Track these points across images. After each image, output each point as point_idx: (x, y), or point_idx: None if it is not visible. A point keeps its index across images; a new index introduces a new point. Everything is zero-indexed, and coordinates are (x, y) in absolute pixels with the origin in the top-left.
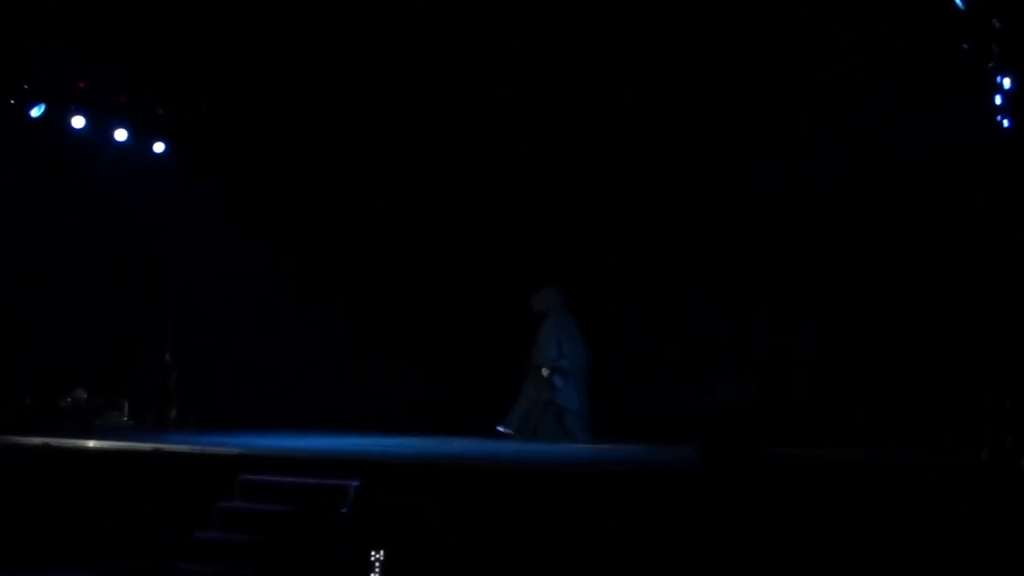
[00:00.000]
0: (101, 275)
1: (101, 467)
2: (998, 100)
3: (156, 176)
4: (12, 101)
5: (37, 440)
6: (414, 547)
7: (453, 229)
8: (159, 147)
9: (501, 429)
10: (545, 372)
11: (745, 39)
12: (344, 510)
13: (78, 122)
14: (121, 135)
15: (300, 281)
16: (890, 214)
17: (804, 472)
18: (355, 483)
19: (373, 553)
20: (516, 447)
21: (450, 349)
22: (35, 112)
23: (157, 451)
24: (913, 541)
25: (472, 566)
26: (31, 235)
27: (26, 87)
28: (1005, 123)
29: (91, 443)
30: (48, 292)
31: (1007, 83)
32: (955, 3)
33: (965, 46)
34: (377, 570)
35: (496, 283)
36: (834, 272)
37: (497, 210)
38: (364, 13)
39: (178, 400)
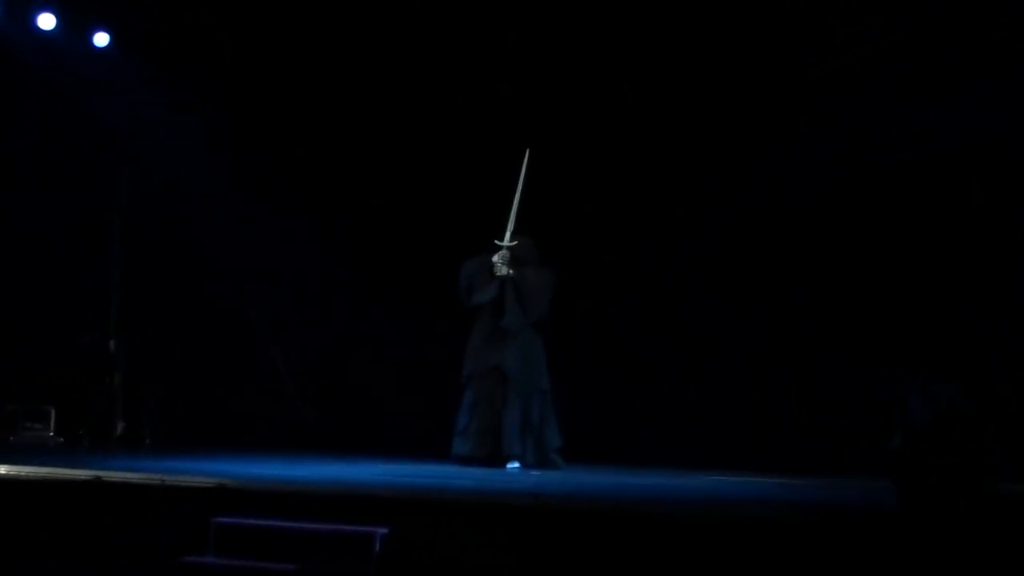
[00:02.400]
0: (14, 223)
1: (13, 505)
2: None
3: (98, 80)
4: None
5: None
6: None
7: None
8: (101, 39)
9: (514, 466)
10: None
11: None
12: (370, 568)
13: None
14: (47, 22)
15: (305, 232)
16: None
17: None
18: (382, 531)
19: None
20: (593, 477)
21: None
22: None
23: (97, 481)
24: None
25: None
26: None
27: None
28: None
29: (2, 468)
30: None
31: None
32: None
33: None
34: None
35: None
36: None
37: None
38: None
39: (127, 408)
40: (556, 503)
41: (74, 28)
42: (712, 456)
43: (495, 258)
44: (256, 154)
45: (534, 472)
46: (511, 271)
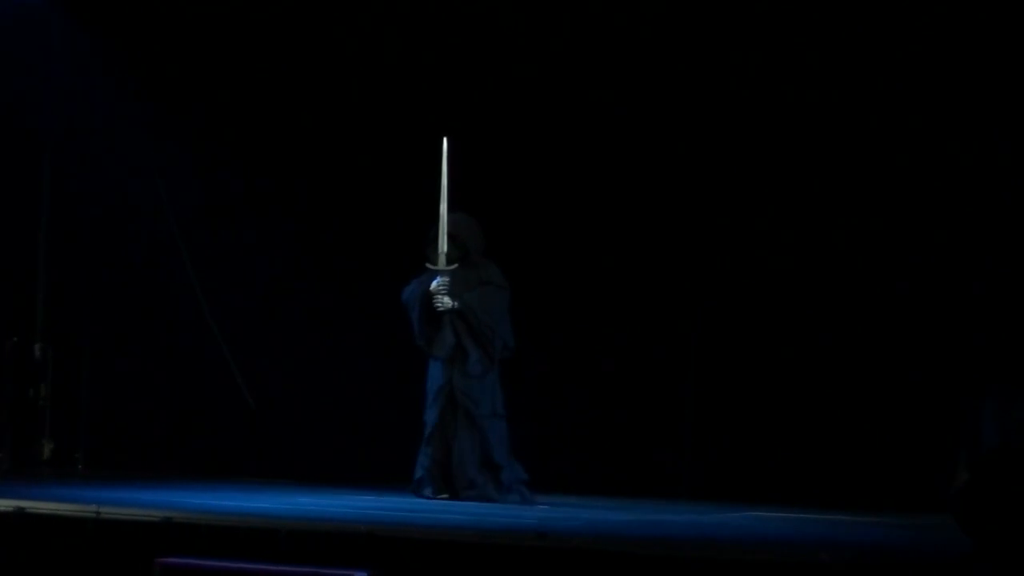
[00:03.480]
0: None
1: None
2: None
3: (25, 34)
4: None
5: None
6: None
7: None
8: None
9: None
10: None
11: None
12: None
13: None
14: None
15: (267, 210)
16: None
17: None
18: (362, 575)
19: None
20: (601, 513)
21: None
22: None
23: (19, 513)
24: None
25: None
26: None
27: None
28: None
29: None
30: None
31: None
32: None
33: None
34: None
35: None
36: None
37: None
38: None
39: (55, 426)
40: (566, 543)
41: None
42: (724, 488)
43: (433, 287)
44: (206, 131)
45: (540, 505)
46: (455, 303)
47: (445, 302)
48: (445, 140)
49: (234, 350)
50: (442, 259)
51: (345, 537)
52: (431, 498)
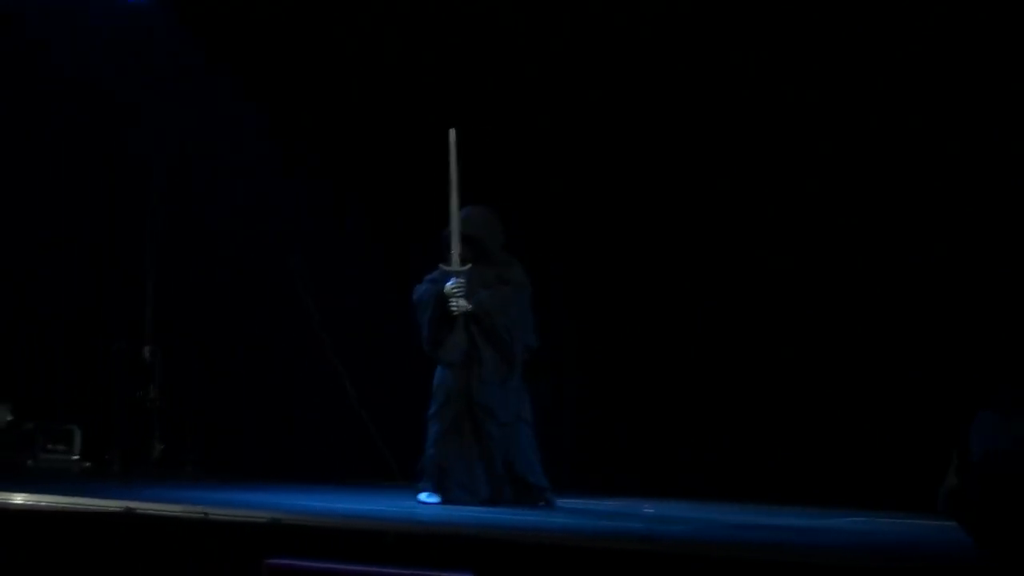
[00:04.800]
0: (36, 207)
1: (32, 540)
2: None
3: (131, 40)
4: None
5: None
6: None
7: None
8: None
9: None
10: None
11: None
12: None
13: None
14: None
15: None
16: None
17: None
18: None
19: None
20: (696, 512)
21: (614, 360)
22: None
23: (128, 514)
24: None
25: None
26: None
27: None
28: None
29: (18, 498)
30: None
31: None
32: None
33: None
34: None
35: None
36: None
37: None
38: None
39: (165, 428)
40: (675, 545)
41: None
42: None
43: (447, 289)
44: (311, 136)
45: (647, 508)
46: (469, 304)
47: (461, 304)
48: (452, 132)
49: (341, 353)
50: (455, 259)
51: (451, 539)
52: (429, 504)
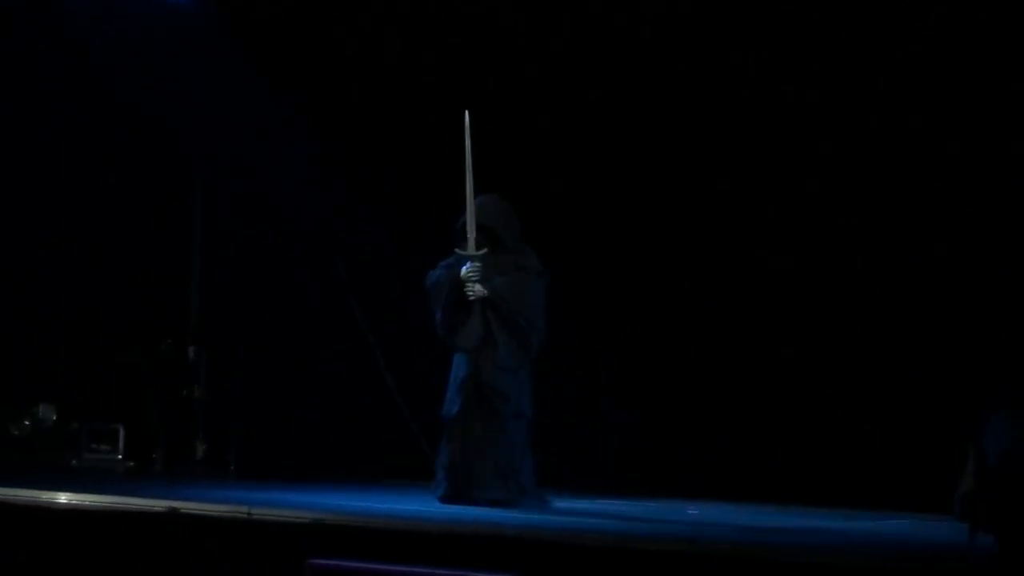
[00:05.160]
0: (80, 209)
1: (77, 539)
2: None
3: (173, 42)
4: None
5: None
6: None
7: None
8: None
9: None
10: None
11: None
12: None
13: None
14: None
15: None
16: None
17: None
18: None
19: None
20: (737, 515)
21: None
22: None
23: (172, 513)
24: None
25: None
26: None
27: None
28: None
29: (63, 497)
30: None
31: None
32: None
33: None
34: None
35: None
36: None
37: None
38: None
39: (208, 428)
40: (720, 547)
41: None
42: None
43: (463, 273)
44: (356, 135)
45: (691, 511)
46: (485, 290)
47: (477, 290)
48: (467, 113)
49: (385, 354)
50: (471, 243)
51: (494, 540)
52: (444, 502)
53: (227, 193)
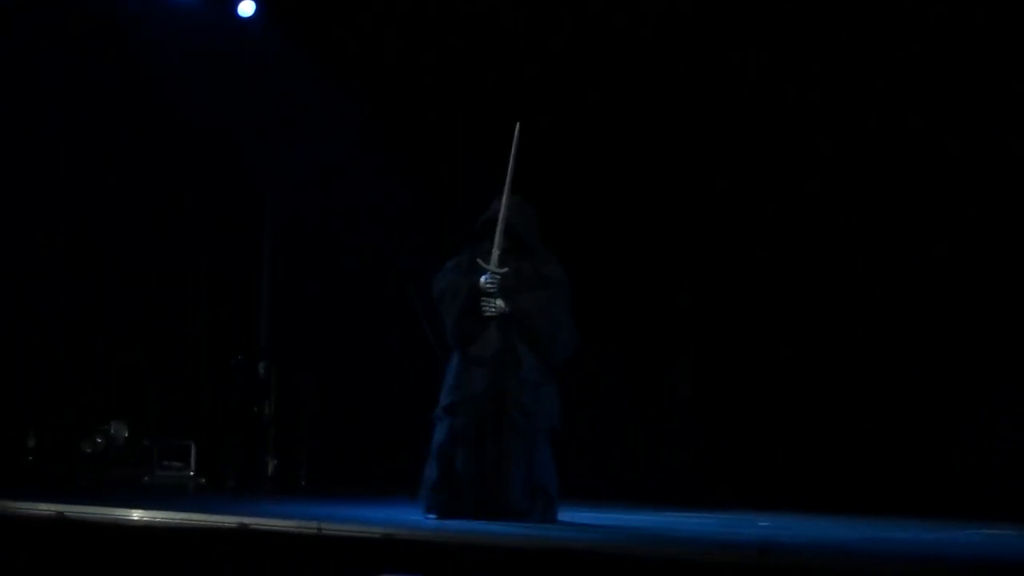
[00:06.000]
0: (150, 229)
1: (148, 554)
2: None
3: (240, 58)
4: None
5: (45, 508)
6: None
7: None
8: (246, 8)
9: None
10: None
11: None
12: None
13: None
14: None
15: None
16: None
17: None
18: None
19: None
20: (806, 526)
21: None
22: None
23: (243, 529)
24: None
25: None
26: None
27: None
28: None
29: (135, 514)
30: (63, 260)
31: None
32: None
33: None
34: None
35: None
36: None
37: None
38: None
39: (279, 444)
40: (792, 559)
41: None
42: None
43: (483, 284)
44: (425, 147)
45: (761, 522)
46: (507, 307)
47: (498, 305)
48: (518, 125)
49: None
50: (495, 257)
51: (564, 554)
52: (437, 518)
53: (298, 210)
